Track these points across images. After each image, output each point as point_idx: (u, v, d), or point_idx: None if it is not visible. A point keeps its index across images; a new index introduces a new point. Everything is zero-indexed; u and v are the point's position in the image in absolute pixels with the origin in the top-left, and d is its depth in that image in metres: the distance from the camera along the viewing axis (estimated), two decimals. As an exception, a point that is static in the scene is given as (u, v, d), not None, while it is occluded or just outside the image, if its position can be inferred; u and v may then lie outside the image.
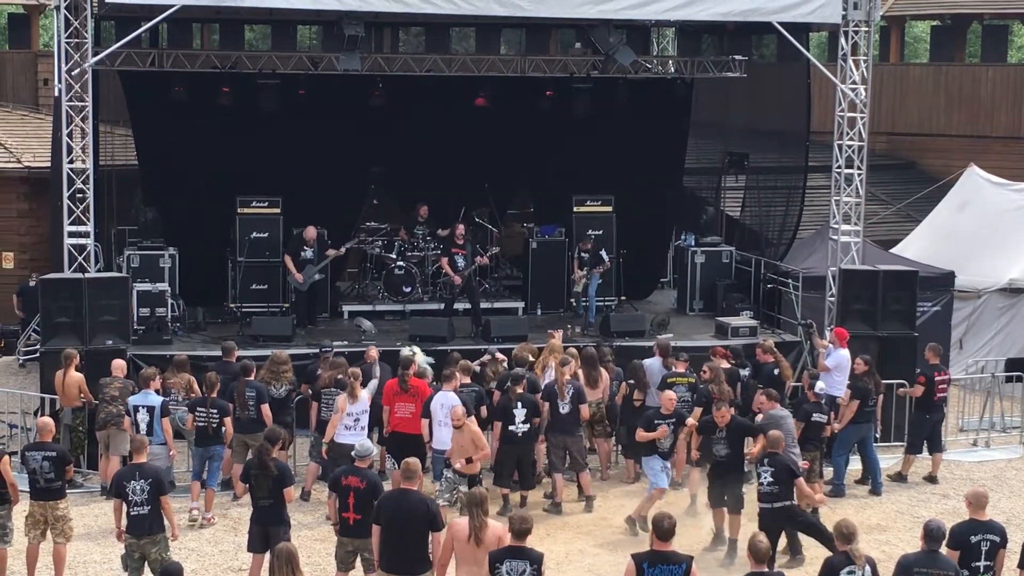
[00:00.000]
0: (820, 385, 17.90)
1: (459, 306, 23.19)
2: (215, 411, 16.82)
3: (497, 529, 11.90)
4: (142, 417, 16.74)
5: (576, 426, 17.62)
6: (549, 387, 17.66)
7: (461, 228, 23.10)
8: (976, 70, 33.06)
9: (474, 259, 22.96)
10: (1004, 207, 26.23)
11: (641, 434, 16.50)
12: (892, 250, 25.74)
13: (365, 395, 17.02)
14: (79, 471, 17.97)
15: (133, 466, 14.03)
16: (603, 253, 23.62)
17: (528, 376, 17.87)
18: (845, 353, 19.13)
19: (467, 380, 17.59)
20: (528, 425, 17.03)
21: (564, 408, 17.43)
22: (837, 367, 19.03)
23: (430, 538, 12.62)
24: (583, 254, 23.53)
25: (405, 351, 19.12)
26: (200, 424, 16.83)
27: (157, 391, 17.04)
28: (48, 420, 15.11)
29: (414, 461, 13.09)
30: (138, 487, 13.69)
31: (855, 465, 18.86)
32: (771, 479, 14.92)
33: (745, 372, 19.23)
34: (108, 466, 17.50)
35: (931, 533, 11.84)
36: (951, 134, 32.13)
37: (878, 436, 19.47)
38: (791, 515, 15.03)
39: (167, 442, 16.70)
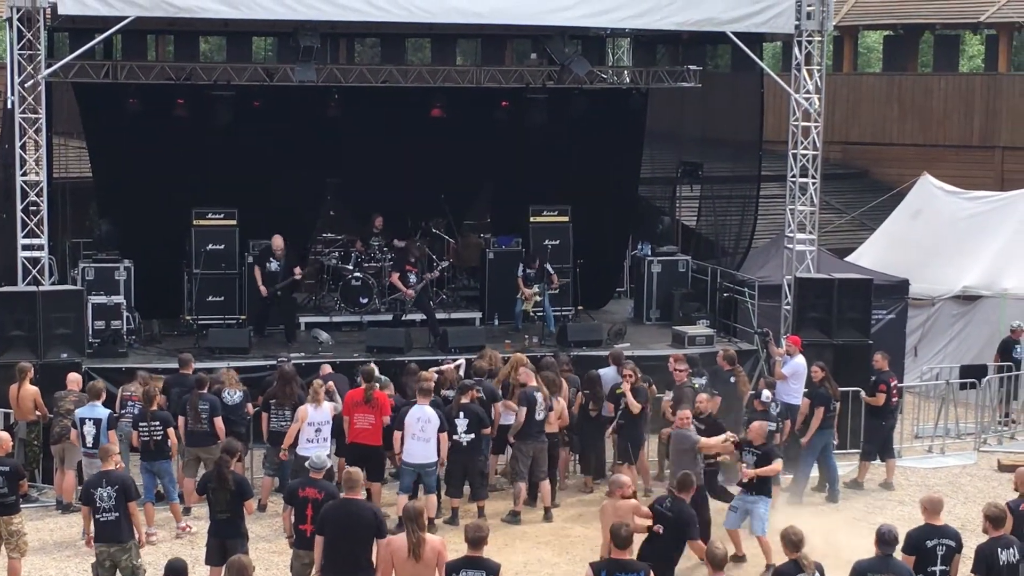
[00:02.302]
0: (766, 394, 17.98)
1: (416, 317, 23.17)
2: (156, 423, 16.72)
3: (435, 543, 11.93)
4: (88, 430, 16.63)
5: (543, 433, 17.69)
6: (529, 394, 17.60)
7: (412, 246, 23.33)
8: (928, 79, 33.36)
9: (423, 275, 22.98)
10: (957, 215, 26.45)
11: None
12: (847, 258, 25.89)
13: (327, 405, 17.00)
14: (34, 486, 17.81)
15: (100, 473, 14.03)
16: (548, 267, 23.63)
17: (484, 385, 17.89)
18: (801, 361, 19.23)
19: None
20: (472, 435, 17.06)
21: (540, 415, 17.53)
22: (794, 375, 19.15)
23: (375, 546, 12.64)
24: (529, 271, 23.49)
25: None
26: (143, 439, 16.72)
27: (104, 404, 16.91)
28: (3, 435, 14.99)
29: (355, 470, 13.26)
30: (105, 494, 13.69)
31: (813, 472, 18.94)
32: None
33: (702, 380, 19.28)
34: (63, 480, 17.41)
35: (883, 537, 11.93)
36: (904, 143, 32.38)
37: (836, 443, 19.52)
38: None
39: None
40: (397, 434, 16.75)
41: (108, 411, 16.85)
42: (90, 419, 16.70)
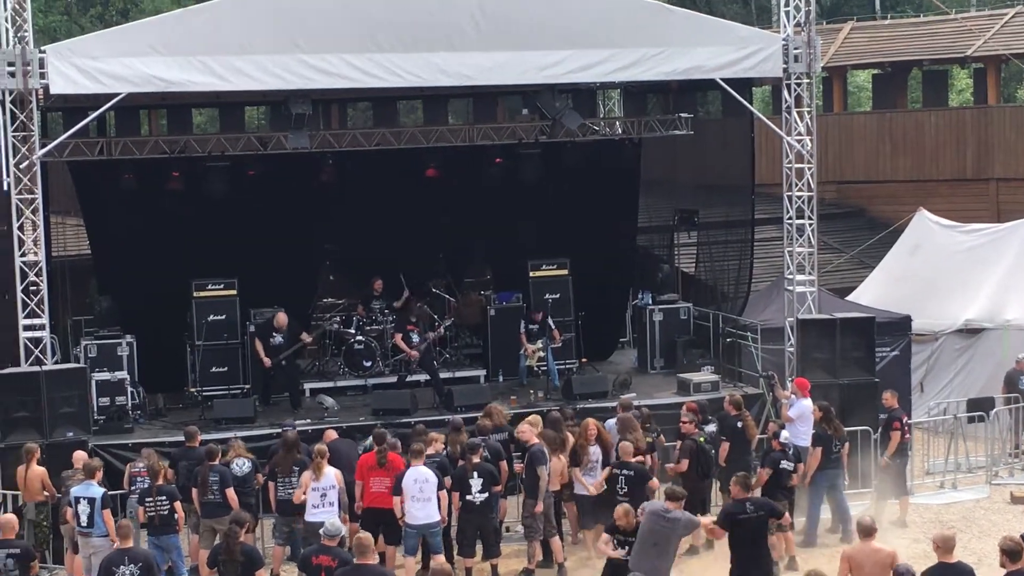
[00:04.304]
0: (784, 435, 18.06)
1: (420, 377, 23.14)
2: (163, 498, 16.65)
3: None
4: (83, 509, 16.42)
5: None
6: (540, 451, 17.46)
7: (412, 305, 23.27)
8: (919, 115, 33.46)
9: (427, 334, 22.99)
10: (954, 249, 26.48)
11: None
12: (848, 297, 25.91)
13: (331, 471, 16.94)
14: (44, 567, 17.72)
15: (121, 551, 14.03)
16: (550, 321, 23.63)
17: (489, 444, 17.83)
18: (808, 403, 19.21)
19: (436, 449, 17.54)
20: (486, 494, 17.00)
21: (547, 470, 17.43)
22: (800, 417, 19.12)
23: None
24: (532, 326, 23.50)
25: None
26: (149, 514, 16.65)
27: (100, 483, 16.79)
28: (11, 517, 14.97)
29: (366, 535, 13.32)
30: (128, 571, 13.67)
31: (825, 514, 18.89)
32: None
33: (712, 428, 19.21)
34: (74, 561, 17.30)
35: (901, 577, 11.93)
36: (898, 180, 32.44)
37: (846, 483, 19.49)
38: None
39: (109, 534, 16.36)
40: (396, 499, 16.71)
41: (103, 490, 16.65)
42: (84, 498, 16.51)
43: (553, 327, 23.55)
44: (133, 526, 16.64)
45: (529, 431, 17.78)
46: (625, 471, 17.00)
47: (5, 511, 17.60)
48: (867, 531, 13.47)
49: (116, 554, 14.04)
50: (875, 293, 26.23)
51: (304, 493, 16.84)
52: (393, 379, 23.37)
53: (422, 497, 16.55)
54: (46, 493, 17.81)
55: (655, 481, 17.11)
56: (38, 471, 17.76)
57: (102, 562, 14.35)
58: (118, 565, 13.76)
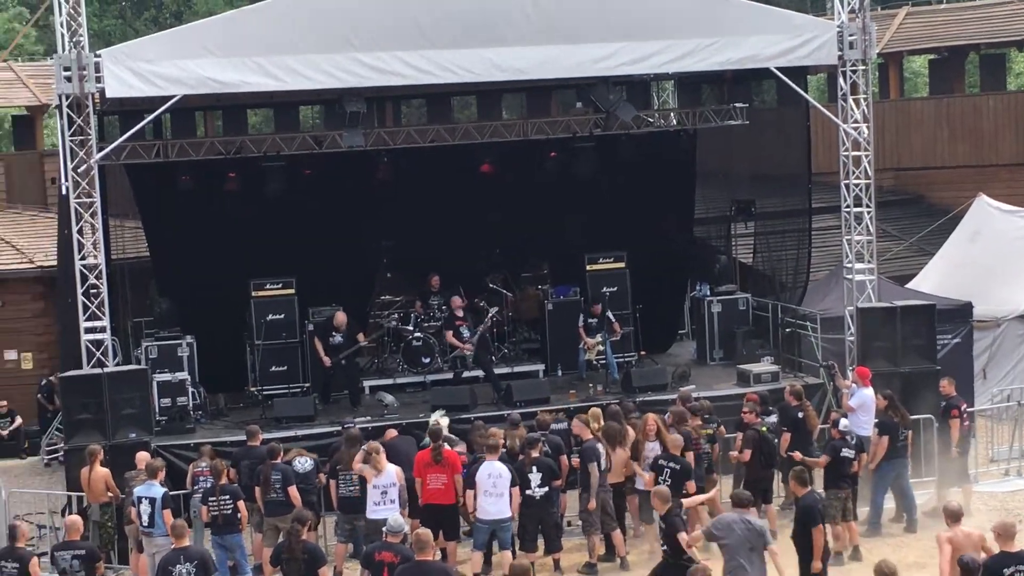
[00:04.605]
0: (844, 423, 17.92)
1: (478, 373, 23.15)
2: (226, 497, 16.77)
3: None
4: (144, 508, 16.57)
5: (607, 483, 17.61)
6: (592, 448, 17.47)
7: (457, 300, 23.28)
8: (977, 100, 33.08)
9: (477, 327, 22.98)
10: (1015, 234, 26.19)
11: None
12: (908, 285, 25.71)
13: (391, 468, 16.96)
14: (110, 567, 17.88)
15: (177, 550, 14.13)
16: (609, 314, 23.56)
17: (549, 439, 17.81)
18: (869, 392, 19.08)
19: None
20: (545, 488, 16.98)
21: (603, 465, 17.44)
22: (861, 407, 18.99)
23: None
24: (591, 320, 23.45)
25: (433, 419, 19.13)
26: (212, 513, 16.77)
27: (162, 483, 16.92)
28: (76, 519, 15.10)
29: (425, 531, 13.31)
30: (184, 570, 13.81)
31: (888, 503, 18.76)
32: None
33: (772, 419, 19.11)
34: (139, 561, 17.44)
35: (967, 567, 11.83)
36: (957, 165, 32.08)
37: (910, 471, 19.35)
38: None
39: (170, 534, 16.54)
40: (469, 492, 16.72)
41: (164, 490, 16.79)
42: (146, 498, 16.66)
43: (613, 320, 23.51)
44: (197, 526, 16.84)
45: (581, 427, 17.75)
46: (672, 464, 16.87)
47: (70, 512, 17.79)
48: (956, 516, 13.46)
49: (172, 554, 14.16)
50: (935, 280, 26.01)
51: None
52: (451, 375, 23.39)
53: (495, 492, 16.58)
54: (110, 494, 17.96)
55: (692, 484, 16.88)
56: (102, 472, 17.91)
57: (159, 562, 14.47)
58: (174, 564, 13.89)
